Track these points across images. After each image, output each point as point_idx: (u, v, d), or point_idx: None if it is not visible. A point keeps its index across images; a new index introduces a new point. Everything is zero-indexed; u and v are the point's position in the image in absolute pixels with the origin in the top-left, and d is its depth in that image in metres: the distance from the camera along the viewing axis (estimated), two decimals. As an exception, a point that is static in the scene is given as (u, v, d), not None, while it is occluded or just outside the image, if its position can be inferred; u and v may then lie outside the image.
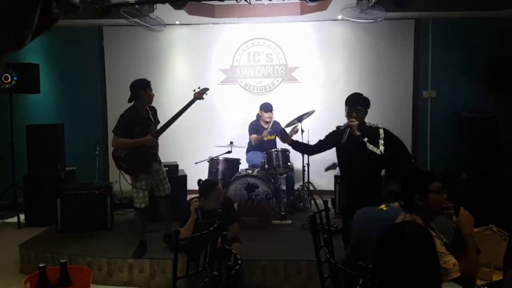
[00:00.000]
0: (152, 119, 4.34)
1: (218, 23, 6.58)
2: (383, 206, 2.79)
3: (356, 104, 3.81)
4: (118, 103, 6.79)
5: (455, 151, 6.20)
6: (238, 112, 6.66)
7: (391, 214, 2.51)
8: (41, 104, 6.68)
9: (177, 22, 6.60)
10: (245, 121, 6.35)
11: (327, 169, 6.20)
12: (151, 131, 4.28)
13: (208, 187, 3.85)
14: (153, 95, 4.32)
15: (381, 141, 3.59)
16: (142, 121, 4.26)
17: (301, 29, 6.62)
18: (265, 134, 5.90)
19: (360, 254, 2.44)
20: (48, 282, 1.88)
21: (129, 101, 4.29)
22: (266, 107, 5.93)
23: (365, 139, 3.58)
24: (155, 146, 4.36)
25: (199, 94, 4.47)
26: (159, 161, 4.43)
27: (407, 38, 6.51)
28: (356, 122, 3.67)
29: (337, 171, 6.11)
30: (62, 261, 1.91)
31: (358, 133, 3.63)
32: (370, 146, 3.56)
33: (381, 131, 3.69)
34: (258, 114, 6.03)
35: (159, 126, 4.40)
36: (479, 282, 2.24)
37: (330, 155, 4.32)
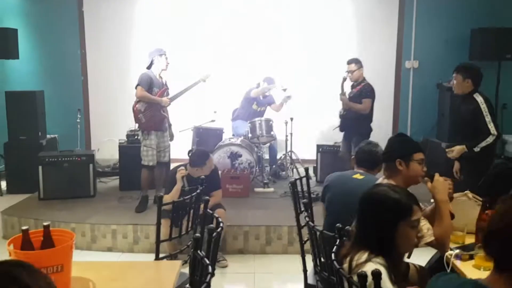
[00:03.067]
0: (167, 86, 4.78)
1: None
2: (357, 175, 2.85)
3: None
4: (98, 69, 6.73)
5: (436, 121, 6.30)
6: (222, 81, 6.61)
7: (367, 182, 2.60)
8: (20, 70, 6.53)
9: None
10: (229, 91, 6.34)
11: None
12: (167, 95, 4.74)
13: (202, 158, 3.86)
14: (168, 63, 4.70)
15: None
16: (159, 84, 4.70)
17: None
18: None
19: (335, 217, 2.52)
20: (32, 244, 1.90)
21: (148, 68, 4.69)
22: (270, 81, 5.88)
23: None
24: (167, 112, 4.81)
25: (203, 78, 4.98)
26: (169, 127, 4.89)
27: (392, 7, 6.48)
28: None
29: (318, 140, 6.19)
30: (45, 223, 1.92)
31: None
32: None
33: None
34: (258, 83, 5.95)
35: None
36: (452, 245, 2.33)
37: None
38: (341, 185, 2.86)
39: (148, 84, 4.60)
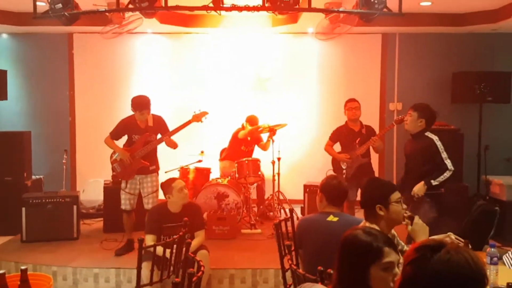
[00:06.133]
0: (154, 129, 4.63)
1: (190, 33, 6.62)
2: (331, 217, 2.85)
3: None
4: (86, 110, 6.77)
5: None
6: (209, 121, 6.65)
7: (343, 223, 2.60)
8: (8, 110, 6.55)
9: (149, 31, 6.60)
10: (216, 131, 6.38)
11: None
12: (150, 141, 4.59)
13: (168, 183, 3.82)
14: (146, 117, 4.56)
15: None
16: (139, 130, 4.59)
17: (272, 41, 6.71)
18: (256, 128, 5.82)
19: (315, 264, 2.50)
20: (7, 289, 1.86)
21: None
22: (252, 121, 5.90)
23: None
24: (151, 158, 4.65)
25: (198, 118, 4.77)
26: (151, 174, 4.67)
27: (374, 51, 6.68)
28: None
29: (306, 180, 6.20)
30: (23, 267, 1.89)
31: None
32: None
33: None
34: (242, 124, 6.00)
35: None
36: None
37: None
38: (318, 232, 2.83)
39: (123, 134, 4.62)
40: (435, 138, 3.83)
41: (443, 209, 3.84)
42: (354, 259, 1.69)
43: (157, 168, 4.77)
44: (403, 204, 2.47)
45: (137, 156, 4.53)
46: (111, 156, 4.66)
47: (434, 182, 3.72)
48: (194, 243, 3.64)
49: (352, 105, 5.02)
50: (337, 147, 5.17)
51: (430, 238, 2.29)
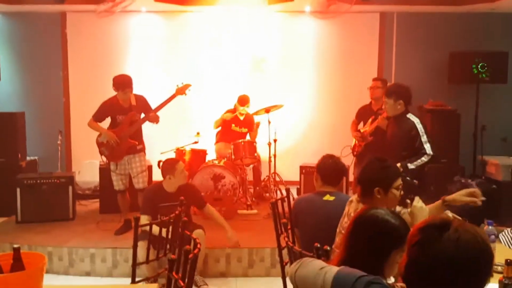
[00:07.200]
0: (138, 108, 4.55)
1: (185, 11, 6.51)
2: (328, 196, 2.83)
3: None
4: (81, 91, 6.68)
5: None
6: (205, 103, 6.61)
7: (340, 202, 2.58)
8: (1, 91, 6.46)
9: (143, 9, 6.49)
10: (212, 112, 6.33)
11: None
12: (136, 120, 4.54)
13: (171, 163, 3.83)
14: (129, 96, 4.50)
15: None
16: (123, 110, 4.51)
17: (268, 20, 6.62)
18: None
19: (312, 239, 2.48)
20: (0, 267, 1.84)
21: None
22: (242, 101, 5.85)
23: None
24: (137, 137, 4.60)
25: (182, 90, 4.70)
26: (139, 153, 4.63)
27: (372, 31, 6.61)
28: None
29: (302, 161, 6.19)
30: (15, 246, 1.86)
31: None
32: None
33: None
34: (235, 104, 5.96)
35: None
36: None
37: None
38: (314, 211, 2.82)
39: (106, 115, 4.58)
40: (416, 120, 3.71)
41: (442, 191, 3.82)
42: (378, 241, 1.61)
43: (144, 147, 4.74)
44: (401, 191, 2.41)
45: (124, 137, 4.49)
46: (97, 140, 4.60)
47: (410, 166, 3.56)
48: (215, 215, 4.06)
49: (373, 84, 5.15)
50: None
51: (432, 216, 2.26)
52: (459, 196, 2.43)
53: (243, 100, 5.82)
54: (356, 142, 5.07)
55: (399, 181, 2.36)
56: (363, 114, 5.23)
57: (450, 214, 2.63)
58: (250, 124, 5.97)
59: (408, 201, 2.36)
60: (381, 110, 4.70)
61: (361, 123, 5.24)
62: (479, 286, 1.20)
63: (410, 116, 3.76)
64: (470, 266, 1.18)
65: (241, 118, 5.90)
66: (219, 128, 6.07)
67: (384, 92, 3.99)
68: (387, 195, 2.31)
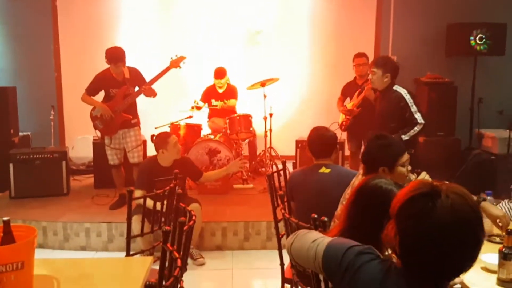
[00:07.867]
0: (131, 81, 4.47)
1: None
2: (323, 169, 2.79)
3: None
4: (73, 64, 6.55)
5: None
6: (199, 77, 6.51)
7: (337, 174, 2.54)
8: (-10, 66, 6.33)
9: (135, -19, 6.33)
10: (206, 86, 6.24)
11: None
12: (130, 94, 4.46)
13: (163, 137, 3.81)
14: (122, 69, 4.41)
15: None
16: (117, 84, 4.44)
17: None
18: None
19: (307, 212, 2.46)
20: (-10, 241, 1.80)
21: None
22: (217, 74, 5.73)
23: None
24: (132, 111, 4.53)
25: (176, 63, 4.61)
26: (134, 127, 4.57)
27: (369, 3, 6.48)
28: None
29: (298, 135, 6.15)
30: (5, 218, 1.82)
31: None
32: None
33: None
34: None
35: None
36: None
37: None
38: (309, 184, 2.79)
39: (100, 89, 4.50)
40: (403, 91, 3.70)
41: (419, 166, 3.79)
42: (381, 211, 1.47)
43: (138, 122, 4.68)
44: (409, 166, 2.36)
45: (118, 110, 4.43)
46: (91, 113, 4.54)
47: (404, 137, 3.57)
48: (214, 175, 4.25)
49: (359, 61, 5.08)
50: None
51: (416, 183, 2.17)
52: (489, 212, 2.31)
53: (219, 73, 5.72)
54: (344, 117, 5.03)
55: (404, 158, 2.30)
56: (348, 89, 5.21)
57: (427, 176, 2.52)
58: (233, 94, 5.86)
59: (415, 175, 2.32)
60: (366, 83, 4.68)
61: (348, 100, 5.19)
62: (477, 246, 1.17)
63: (397, 87, 3.76)
64: (467, 229, 1.15)
65: (220, 91, 5.81)
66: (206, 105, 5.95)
67: (372, 63, 3.93)
68: (393, 173, 2.25)
